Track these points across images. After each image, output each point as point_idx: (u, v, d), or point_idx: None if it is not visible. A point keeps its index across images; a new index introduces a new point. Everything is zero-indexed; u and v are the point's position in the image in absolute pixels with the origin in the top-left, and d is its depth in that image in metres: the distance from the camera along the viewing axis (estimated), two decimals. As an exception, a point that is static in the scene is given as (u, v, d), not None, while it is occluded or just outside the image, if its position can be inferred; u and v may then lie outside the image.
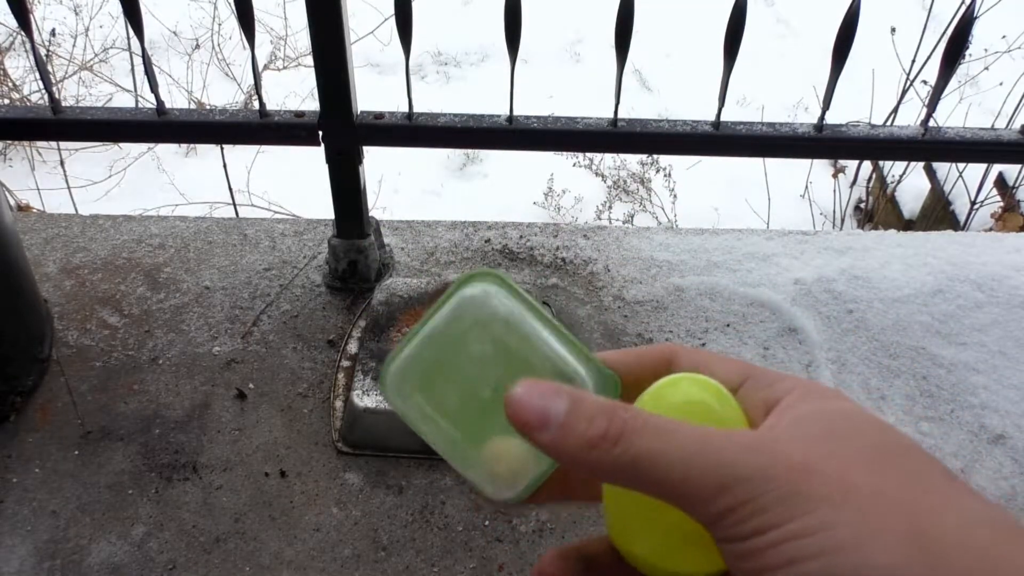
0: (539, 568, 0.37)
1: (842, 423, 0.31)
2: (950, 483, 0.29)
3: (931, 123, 1.17)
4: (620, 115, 1.18)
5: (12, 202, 2.80)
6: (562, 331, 0.36)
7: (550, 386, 0.32)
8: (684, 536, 0.32)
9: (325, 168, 1.25)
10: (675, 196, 3.26)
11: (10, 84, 3.47)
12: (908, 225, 2.99)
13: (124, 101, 3.50)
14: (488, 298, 0.35)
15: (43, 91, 1.20)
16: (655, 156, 3.38)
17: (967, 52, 1.12)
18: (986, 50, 3.11)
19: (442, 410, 0.35)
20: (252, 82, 1.28)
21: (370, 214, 1.34)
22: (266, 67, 3.88)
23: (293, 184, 3.03)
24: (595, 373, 0.36)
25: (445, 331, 0.35)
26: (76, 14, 3.86)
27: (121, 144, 3.39)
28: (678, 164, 3.36)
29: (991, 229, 2.68)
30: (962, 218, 2.74)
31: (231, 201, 2.61)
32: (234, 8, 1.12)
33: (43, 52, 3.43)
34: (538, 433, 0.31)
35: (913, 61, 2.63)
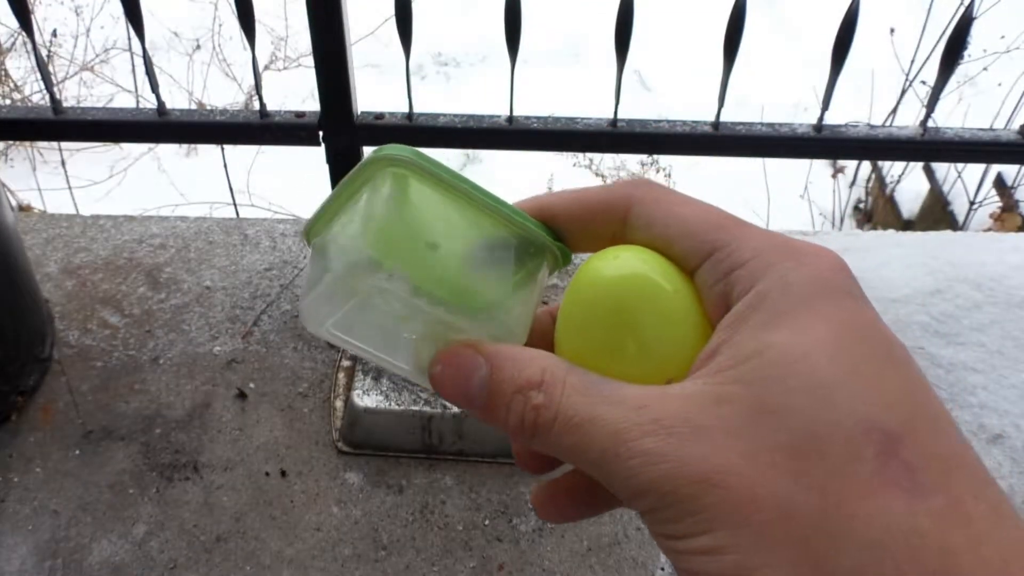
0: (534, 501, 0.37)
1: (779, 388, 0.27)
2: (877, 475, 0.25)
3: (930, 123, 1.17)
4: (620, 115, 1.18)
5: (14, 202, 2.80)
6: (493, 214, 0.34)
7: (465, 361, 0.32)
8: None
9: (325, 168, 1.25)
10: (675, 196, 3.26)
11: (11, 84, 3.47)
12: (907, 225, 2.99)
13: (125, 101, 3.50)
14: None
15: (44, 91, 1.20)
16: (655, 156, 3.38)
17: (966, 52, 1.13)
18: (985, 50, 3.11)
19: (366, 343, 0.35)
20: (253, 82, 1.29)
21: (370, 214, 1.34)
22: (266, 67, 3.88)
23: (293, 184, 3.03)
24: (540, 254, 0.35)
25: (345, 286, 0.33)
26: (77, 15, 3.86)
27: (122, 144, 3.40)
28: (678, 164, 3.36)
29: (990, 229, 2.68)
30: (961, 218, 2.74)
31: (231, 201, 2.62)
32: (235, 8, 1.13)
33: (44, 53, 3.43)
34: (469, 410, 0.32)
35: (912, 61, 2.63)
